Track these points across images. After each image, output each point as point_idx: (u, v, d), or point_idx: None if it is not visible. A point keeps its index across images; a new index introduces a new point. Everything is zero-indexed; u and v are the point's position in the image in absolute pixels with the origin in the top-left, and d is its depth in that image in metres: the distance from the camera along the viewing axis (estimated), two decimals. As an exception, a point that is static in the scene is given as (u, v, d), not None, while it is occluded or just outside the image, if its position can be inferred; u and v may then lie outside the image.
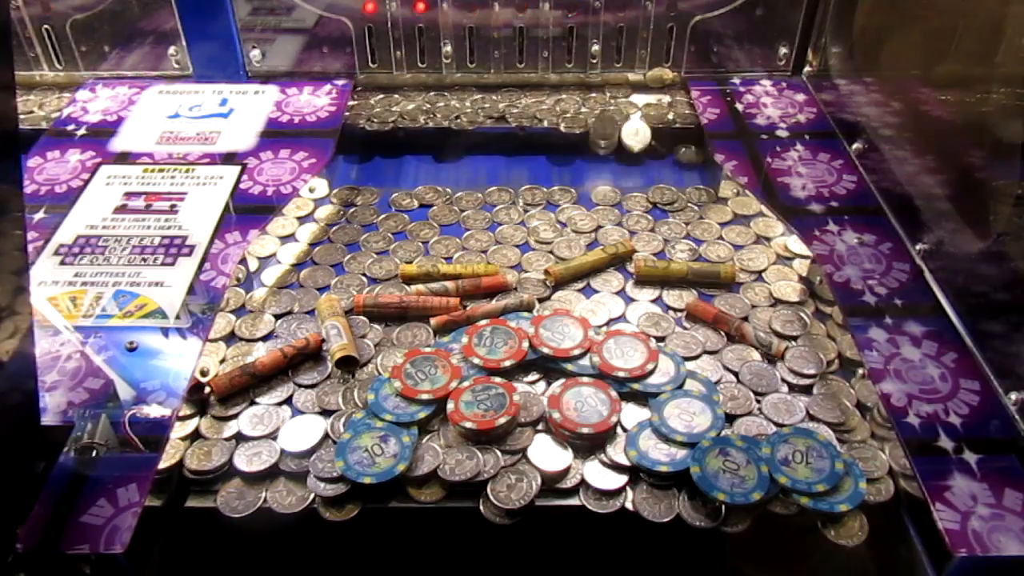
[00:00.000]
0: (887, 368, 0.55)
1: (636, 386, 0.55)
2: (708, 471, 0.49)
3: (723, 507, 0.49)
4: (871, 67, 0.78)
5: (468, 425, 0.51)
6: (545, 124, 0.83)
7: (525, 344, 0.57)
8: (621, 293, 0.65)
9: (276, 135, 0.79)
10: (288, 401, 0.56)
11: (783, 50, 0.88)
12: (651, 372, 0.56)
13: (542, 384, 0.57)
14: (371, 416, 0.53)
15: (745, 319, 0.61)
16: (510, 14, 0.85)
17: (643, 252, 0.68)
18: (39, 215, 0.68)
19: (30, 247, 0.64)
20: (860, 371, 0.57)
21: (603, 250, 0.67)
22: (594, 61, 0.88)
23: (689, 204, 0.75)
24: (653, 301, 0.64)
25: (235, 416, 0.54)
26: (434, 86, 0.90)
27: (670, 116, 0.84)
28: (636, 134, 0.75)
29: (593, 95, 0.88)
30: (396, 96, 0.87)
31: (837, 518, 0.48)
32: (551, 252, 0.69)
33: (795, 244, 0.68)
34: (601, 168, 0.81)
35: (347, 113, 0.83)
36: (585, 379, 0.55)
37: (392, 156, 0.83)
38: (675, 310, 0.63)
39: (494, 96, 0.87)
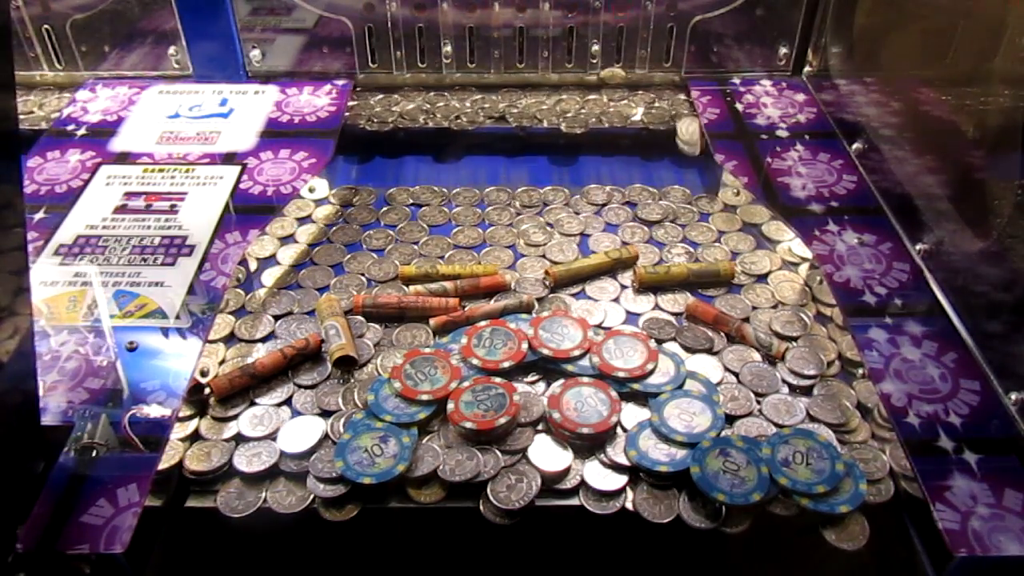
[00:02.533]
0: (887, 368, 0.55)
1: (636, 386, 0.55)
2: (708, 471, 0.49)
3: (723, 508, 0.49)
4: (871, 67, 0.78)
5: (468, 425, 0.51)
6: (545, 124, 0.83)
7: (524, 345, 0.57)
8: (619, 300, 0.64)
9: (276, 135, 0.79)
10: (288, 402, 0.56)
11: (783, 50, 0.88)
12: (651, 372, 0.56)
13: (542, 384, 0.57)
14: (371, 417, 0.53)
15: (746, 320, 0.61)
16: (510, 14, 0.85)
17: (644, 259, 0.68)
18: (39, 215, 0.68)
19: (30, 247, 0.64)
20: (860, 371, 0.57)
21: (606, 254, 0.67)
22: (594, 61, 0.88)
23: (682, 208, 0.74)
24: (653, 309, 0.63)
25: (235, 417, 0.54)
26: (434, 86, 0.90)
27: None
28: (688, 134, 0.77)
29: (592, 96, 0.88)
30: (396, 96, 0.87)
31: (837, 519, 0.48)
32: (543, 256, 0.69)
33: (800, 248, 0.68)
34: (602, 169, 0.81)
35: (347, 113, 0.83)
36: (585, 379, 0.55)
37: (392, 156, 0.83)
38: (676, 314, 0.63)
39: (494, 96, 0.87)
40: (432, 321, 0.61)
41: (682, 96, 0.88)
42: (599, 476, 0.51)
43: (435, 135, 0.83)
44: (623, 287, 0.65)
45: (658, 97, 0.88)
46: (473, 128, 0.83)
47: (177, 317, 0.59)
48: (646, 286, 0.65)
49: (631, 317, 0.62)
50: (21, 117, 0.83)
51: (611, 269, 0.67)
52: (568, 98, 0.87)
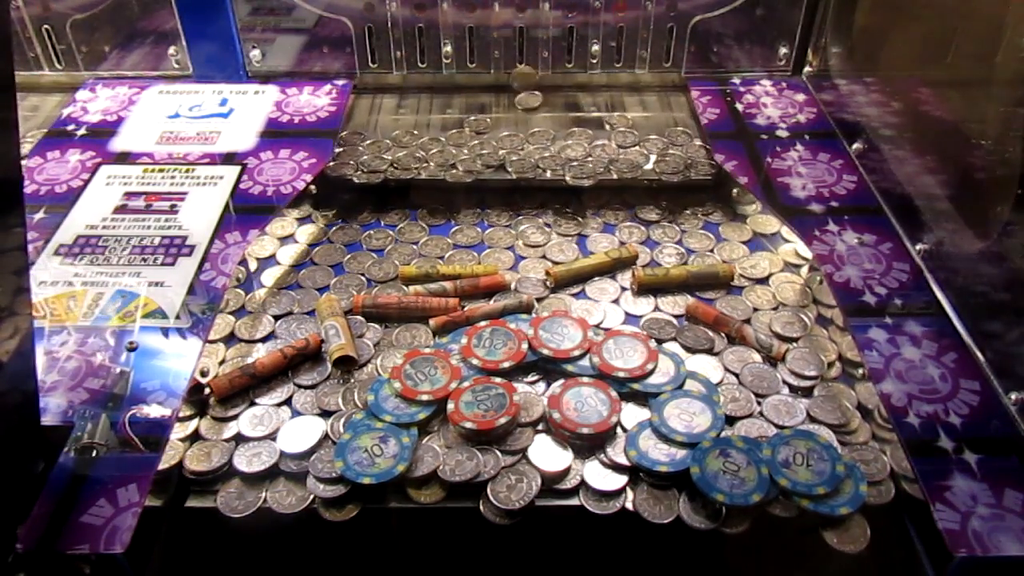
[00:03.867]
0: (887, 368, 0.55)
1: (636, 386, 0.55)
2: (708, 472, 0.49)
3: (723, 508, 0.49)
4: (871, 67, 0.78)
5: (468, 425, 0.51)
6: (549, 175, 0.75)
7: (524, 346, 0.57)
8: (619, 302, 0.64)
9: (276, 135, 0.79)
10: (288, 402, 0.56)
11: (783, 50, 0.88)
12: (651, 372, 0.56)
13: (542, 384, 0.57)
14: (371, 417, 0.53)
15: (746, 321, 0.61)
16: (510, 14, 0.85)
17: (643, 260, 0.68)
18: (39, 215, 0.68)
19: (30, 247, 0.64)
20: (860, 371, 0.57)
21: (606, 254, 0.67)
22: (594, 61, 0.88)
23: (684, 213, 0.74)
24: (654, 311, 0.63)
25: (235, 417, 0.54)
26: (435, 87, 0.90)
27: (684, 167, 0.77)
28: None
29: (602, 142, 0.80)
30: (387, 142, 0.80)
31: (838, 521, 0.48)
32: (543, 256, 0.69)
33: (801, 249, 0.68)
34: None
35: (332, 163, 0.76)
36: (585, 379, 0.55)
37: (383, 211, 0.75)
38: (676, 316, 0.63)
39: (493, 142, 0.80)
40: (432, 321, 0.61)
41: (682, 97, 0.88)
42: (599, 476, 0.51)
43: (429, 186, 0.76)
44: (623, 289, 0.65)
45: (672, 143, 0.80)
46: (471, 179, 0.76)
47: (177, 317, 0.59)
48: (645, 288, 0.64)
49: (631, 319, 0.62)
50: (21, 117, 0.83)
51: (611, 269, 0.67)
52: (574, 143, 0.80)
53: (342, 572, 0.58)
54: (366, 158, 0.78)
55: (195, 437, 0.53)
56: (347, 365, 0.58)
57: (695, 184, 0.76)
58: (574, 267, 0.66)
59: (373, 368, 0.58)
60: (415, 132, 0.83)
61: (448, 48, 0.87)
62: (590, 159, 0.78)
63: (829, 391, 0.56)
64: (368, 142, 0.81)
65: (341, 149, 0.80)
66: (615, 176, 0.76)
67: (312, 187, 0.76)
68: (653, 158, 0.78)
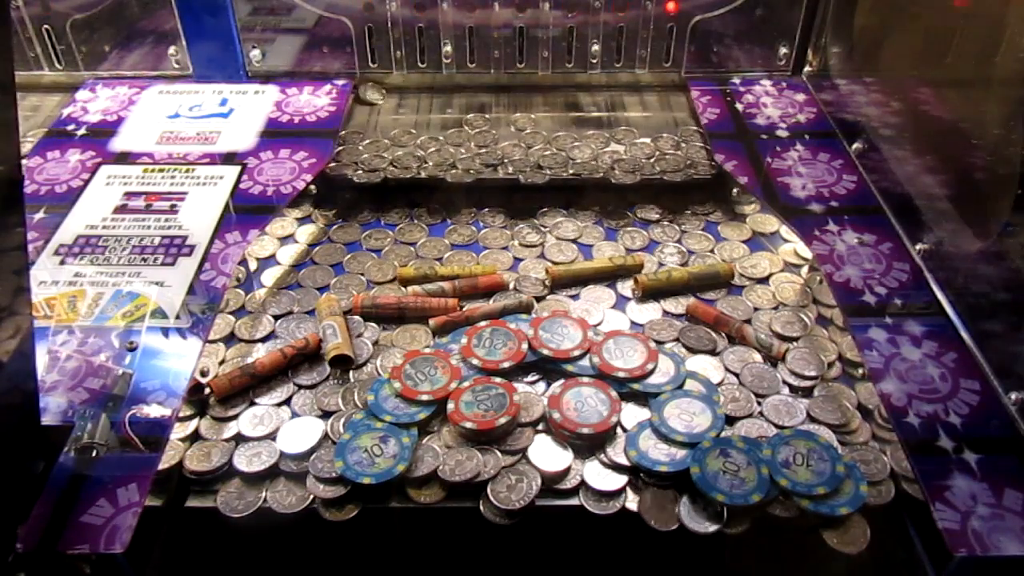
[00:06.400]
0: (887, 368, 0.55)
1: (636, 386, 0.55)
2: (708, 472, 0.49)
3: (723, 508, 0.49)
4: (871, 67, 0.78)
5: (468, 425, 0.51)
6: (549, 174, 0.76)
7: (524, 346, 0.57)
8: (623, 309, 0.64)
9: (276, 135, 0.79)
10: (288, 402, 0.56)
11: (783, 50, 0.88)
12: (651, 372, 0.56)
13: (542, 384, 0.57)
14: (371, 417, 0.53)
15: (747, 321, 0.61)
16: (510, 14, 0.85)
17: (645, 268, 0.67)
18: (39, 215, 0.68)
19: (30, 247, 0.64)
20: (860, 371, 0.57)
21: (610, 259, 0.67)
22: (594, 61, 0.88)
23: (684, 213, 0.74)
24: (662, 316, 0.63)
25: (235, 417, 0.54)
26: (435, 87, 0.90)
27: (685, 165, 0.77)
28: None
29: (603, 141, 0.80)
30: (385, 141, 0.81)
31: (838, 521, 0.48)
32: (542, 256, 0.69)
33: (801, 249, 0.68)
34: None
35: (332, 164, 0.76)
36: (585, 379, 0.55)
37: (383, 210, 0.75)
38: (676, 316, 0.63)
39: (492, 142, 0.80)
40: (432, 321, 0.61)
41: (682, 97, 0.88)
42: (599, 476, 0.51)
43: (429, 185, 0.76)
44: (625, 298, 0.65)
45: (675, 143, 0.80)
46: (471, 179, 0.76)
47: (177, 317, 0.59)
48: (649, 293, 0.64)
49: (635, 327, 0.62)
50: (21, 117, 0.83)
51: (612, 275, 0.66)
52: (575, 143, 0.80)
53: (342, 572, 0.58)
54: (366, 157, 0.79)
55: (195, 437, 0.53)
56: (344, 364, 0.58)
57: (696, 183, 0.76)
58: (573, 268, 0.66)
59: (373, 368, 0.58)
60: (413, 131, 0.83)
61: (448, 48, 0.87)
62: (593, 160, 0.78)
63: (829, 391, 0.56)
64: (367, 141, 0.81)
65: (341, 148, 0.80)
66: (619, 173, 0.76)
67: (312, 187, 0.76)
68: (654, 157, 0.78)
